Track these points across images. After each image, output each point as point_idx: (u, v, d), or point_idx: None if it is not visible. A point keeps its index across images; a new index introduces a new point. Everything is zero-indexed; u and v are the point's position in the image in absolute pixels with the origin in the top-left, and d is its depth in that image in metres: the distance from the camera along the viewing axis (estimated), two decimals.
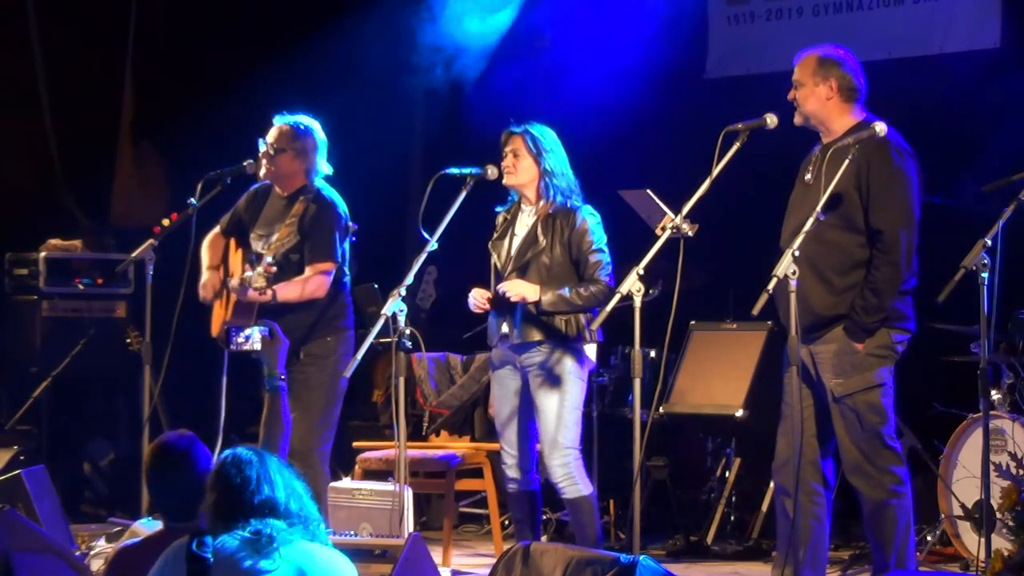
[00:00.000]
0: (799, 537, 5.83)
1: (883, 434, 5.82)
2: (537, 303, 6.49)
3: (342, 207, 6.85)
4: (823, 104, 5.93)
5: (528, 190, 6.66)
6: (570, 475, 6.52)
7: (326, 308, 6.76)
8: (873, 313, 5.77)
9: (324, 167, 6.92)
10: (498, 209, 6.84)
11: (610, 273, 6.52)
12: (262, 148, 6.88)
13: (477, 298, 6.64)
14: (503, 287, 6.52)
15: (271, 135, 6.88)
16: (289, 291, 6.63)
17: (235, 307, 6.75)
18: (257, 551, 3.94)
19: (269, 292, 6.53)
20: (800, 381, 5.88)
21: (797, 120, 6.01)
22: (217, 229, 7.08)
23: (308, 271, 6.72)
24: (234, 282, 6.65)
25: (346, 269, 6.88)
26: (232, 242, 7.04)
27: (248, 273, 6.54)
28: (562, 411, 6.50)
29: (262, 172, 6.91)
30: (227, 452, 4.14)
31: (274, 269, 6.51)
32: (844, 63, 5.95)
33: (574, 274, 6.57)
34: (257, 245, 6.85)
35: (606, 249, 6.58)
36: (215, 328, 6.91)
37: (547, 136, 6.66)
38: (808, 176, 5.97)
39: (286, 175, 6.87)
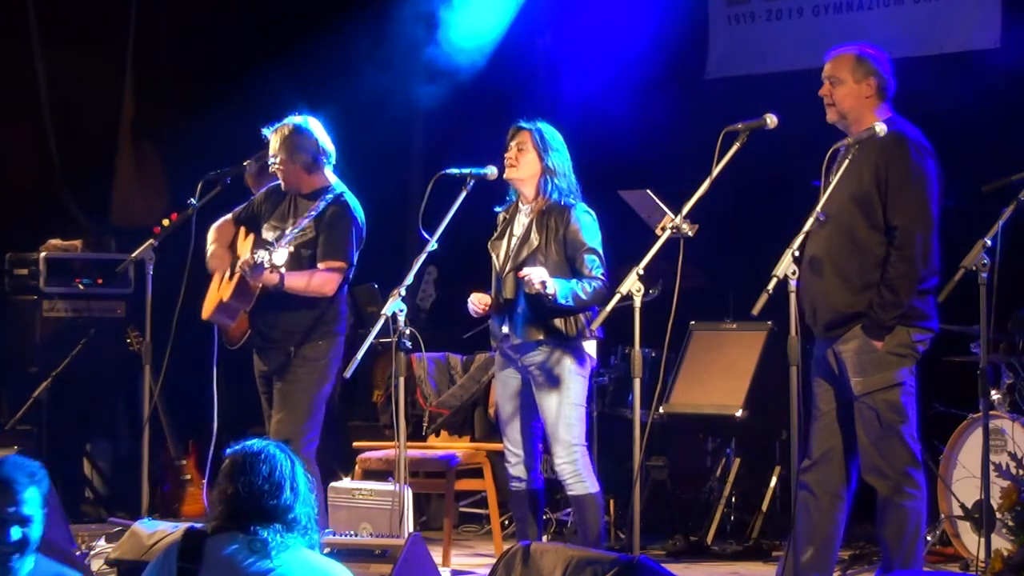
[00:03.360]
0: (800, 536, 5.82)
1: (903, 433, 5.77)
2: (553, 296, 6.39)
3: (360, 215, 6.80)
4: (862, 102, 5.90)
5: (527, 186, 6.64)
6: (577, 472, 6.51)
7: (324, 311, 6.74)
8: (890, 310, 5.75)
9: (329, 146, 6.83)
10: (497, 209, 6.83)
11: (604, 272, 6.50)
12: (272, 163, 6.83)
13: (475, 302, 6.63)
14: (525, 271, 6.40)
15: (271, 148, 6.82)
16: (296, 280, 6.58)
17: (236, 288, 6.67)
18: (254, 551, 3.92)
19: (276, 275, 6.50)
20: (827, 383, 5.89)
21: (831, 117, 5.96)
22: (229, 216, 6.99)
23: (320, 266, 6.69)
24: (247, 259, 6.54)
25: (350, 275, 6.87)
26: (241, 231, 6.98)
27: (263, 252, 6.45)
28: (565, 408, 6.49)
29: (282, 186, 6.86)
30: (260, 447, 4.06)
31: (291, 249, 6.48)
32: (878, 61, 5.95)
33: (569, 272, 6.54)
34: (269, 236, 6.79)
35: (599, 248, 6.55)
36: (207, 311, 6.83)
37: (554, 136, 6.65)
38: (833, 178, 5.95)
39: (297, 179, 6.82)
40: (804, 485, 5.93)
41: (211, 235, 6.94)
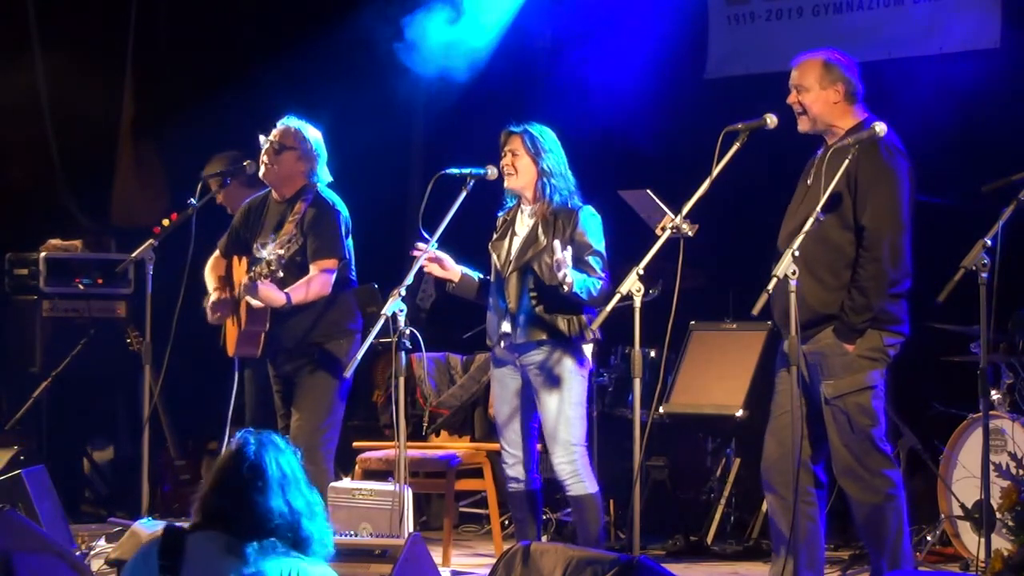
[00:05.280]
0: (799, 537, 5.82)
1: (874, 436, 5.80)
2: (570, 285, 6.34)
3: (342, 207, 6.84)
4: (831, 107, 5.92)
5: (527, 191, 6.65)
6: (576, 472, 6.52)
7: (333, 309, 6.78)
8: (861, 312, 5.76)
9: (326, 175, 6.91)
10: (499, 214, 6.83)
11: (607, 276, 6.50)
12: (264, 145, 6.85)
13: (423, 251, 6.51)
14: (559, 258, 6.29)
15: (277, 133, 6.85)
16: (298, 293, 6.66)
17: (248, 315, 6.76)
18: (230, 552, 3.88)
19: (283, 298, 6.55)
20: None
21: (803, 127, 5.98)
22: (216, 252, 7.07)
23: (312, 269, 6.72)
24: (244, 282, 6.63)
25: (352, 271, 6.88)
26: (234, 259, 7.04)
27: (251, 272, 6.55)
28: (565, 408, 6.50)
29: (262, 171, 6.89)
30: (256, 455, 3.98)
31: (282, 251, 6.52)
32: (846, 67, 5.96)
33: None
34: (262, 254, 6.82)
35: (603, 250, 6.55)
36: (231, 348, 6.91)
37: (546, 136, 6.65)
38: (810, 180, 5.97)
39: (288, 176, 6.85)
40: (769, 487, 5.94)
41: (208, 277, 7.03)
